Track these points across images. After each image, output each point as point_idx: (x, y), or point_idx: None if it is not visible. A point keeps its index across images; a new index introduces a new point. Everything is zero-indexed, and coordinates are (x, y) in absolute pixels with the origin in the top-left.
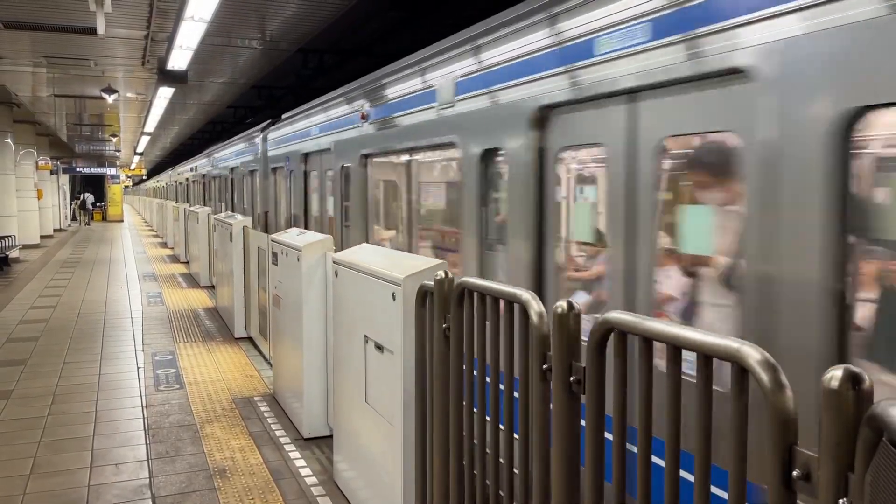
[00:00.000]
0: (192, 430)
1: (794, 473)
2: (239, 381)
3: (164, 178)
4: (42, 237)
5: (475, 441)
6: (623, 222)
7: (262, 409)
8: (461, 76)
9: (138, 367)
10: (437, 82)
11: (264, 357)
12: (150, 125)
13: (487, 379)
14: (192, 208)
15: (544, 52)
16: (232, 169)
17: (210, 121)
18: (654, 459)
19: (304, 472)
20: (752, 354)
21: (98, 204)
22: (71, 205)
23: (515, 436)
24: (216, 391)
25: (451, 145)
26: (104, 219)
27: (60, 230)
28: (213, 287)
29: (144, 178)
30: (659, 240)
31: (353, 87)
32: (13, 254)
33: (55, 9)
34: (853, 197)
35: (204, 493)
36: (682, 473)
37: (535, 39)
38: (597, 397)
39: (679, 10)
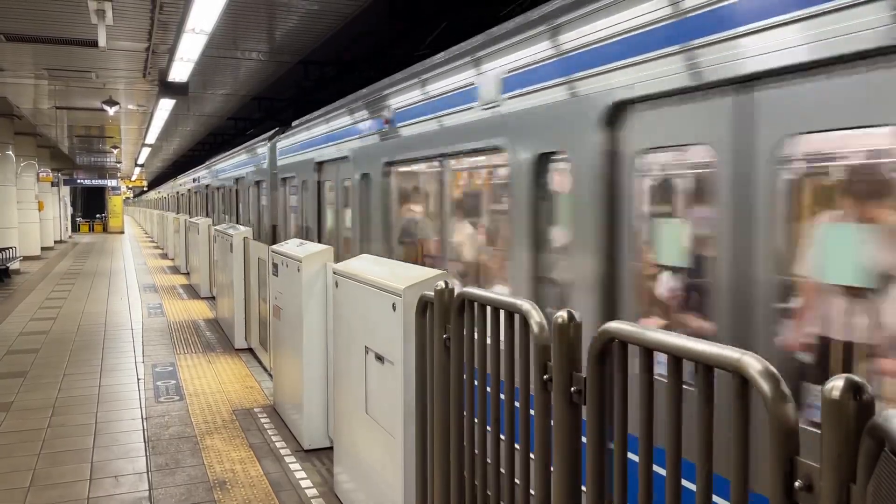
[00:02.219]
0: (191, 441)
1: (796, 484)
2: (239, 393)
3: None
4: (43, 249)
5: (476, 452)
6: None
7: (263, 420)
8: None
9: (138, 379)
10: None
11: (265, 368)
12: (151, 137)
13: (488, 390)
14: (192, 219)
15: None
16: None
17: (211, 132)
18: (656, 468)
19: (305, 483)
20: (753, 365)
21: (99, 215)
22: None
23: (516, 447)
24: (216, 403)
25: None
26: (105, 230)
27: (61, 242)
28: (213, 298)
29: (145, 189)
30: None
31: None
32: (14, 265)
33: (57, 21)
34: None
35: None
36: (684, 482)
37: None
38: (598, 408)
39: None
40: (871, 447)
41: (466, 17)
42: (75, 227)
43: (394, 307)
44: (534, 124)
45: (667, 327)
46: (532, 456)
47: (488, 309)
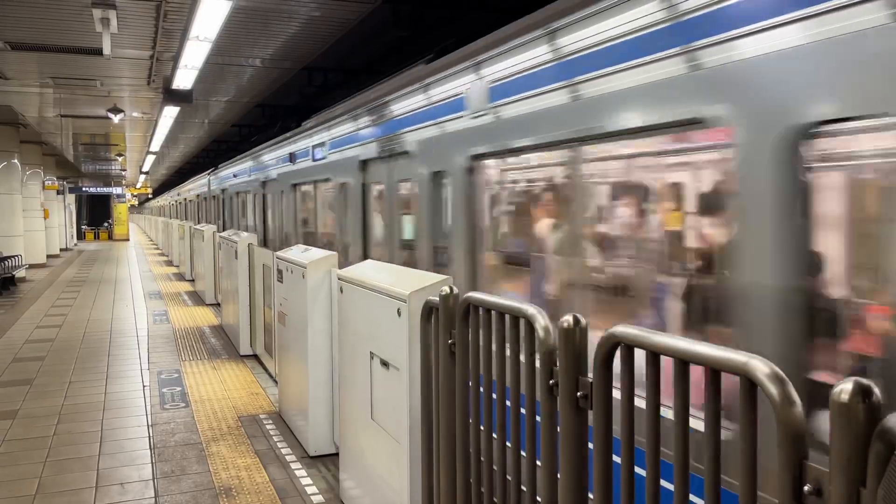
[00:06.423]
0: (197, 448)
1: (805, 489)
2: (244, 399)
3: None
4: (48, 257)
5: (482, 458)
6: None
7: (268, 426)
8: None
9: (144, 386)
10: None
11: (270, 375)
12: (156, 144)
13: (494, 395)
14: (197, 226)
15: None
16: None
17: (215, 139)
18: (663, 483)
19: (311, 490)
20: (761, 368)
21: (105, 223)
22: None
23: (522, 453)
24: (222, 409)
25: None
26: (110, 238)
27: (66, 249)
28: (218, 305)
29: (150, 196)
30: None
31: None
32: (19, 273)
33: (62, 30)
34: None
35: None
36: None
37: None
38: (604, 412)
39: None
40: (881, 451)
41: (470, 23)
42: (80, 235)
43: (399, 312)
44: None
45: None
46: (538, 462)
47: (493, 314)
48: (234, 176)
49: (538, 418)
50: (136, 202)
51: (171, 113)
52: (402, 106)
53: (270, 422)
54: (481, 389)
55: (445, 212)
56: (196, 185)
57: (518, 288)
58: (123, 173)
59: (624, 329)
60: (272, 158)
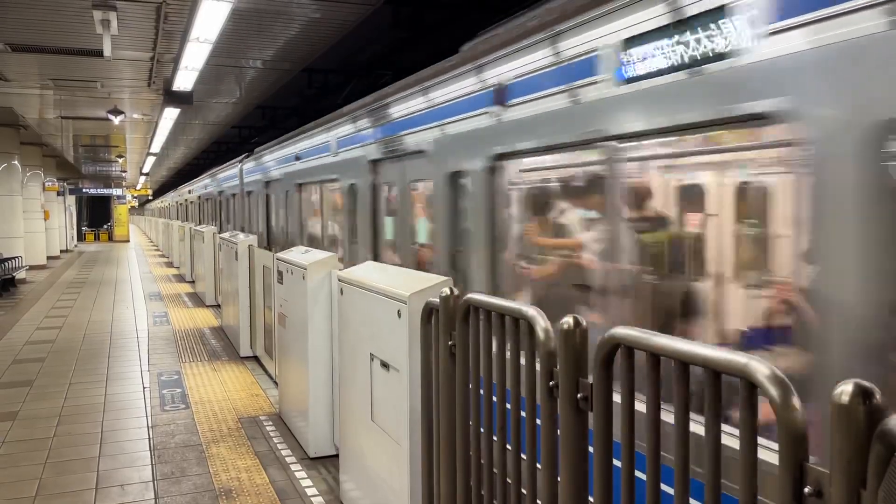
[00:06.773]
0: (197, 450)
1: (806, 490)
2: (245, 401)
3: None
4: (49, 258)
5: (482, 460)
6: None
7: (268, 428)
8: None
9: (144, 388)
10: None
11: (270, 376)
12: (156, 146)
13: (494, 396)
14: (198, 228)
15: None
16: None
17: (215, 141)
18: (664, 486)
19: (311, 491)
20: (761, 370)
21: (105, 224)
22: None
23: (522, 455)
24: (222, 411)
25: None
26: (110, 239)
27: (67, 251)
28: (218, 306)
29: (150, 198)
30: None
31: None
32: (20, 275)
33: (62, 32)
34: None
35: None
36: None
37: None
38: (604, 414)
39: None
40: (881, 452)
41: (470, 24)
42: (81, 237)
43: (399, 314)
44: None
45: None
46: (538, 464)
47: (493, 315)
48: (297, 159)
49: (538, 420)
50: (137, 203)
51: (171, 115)
52: None
53: (270, 423)
54: (481, 391)
55: None
56: (215, 180)
57: None
58: (124, 175)
59: (624, 330)
60: (392, 118)
